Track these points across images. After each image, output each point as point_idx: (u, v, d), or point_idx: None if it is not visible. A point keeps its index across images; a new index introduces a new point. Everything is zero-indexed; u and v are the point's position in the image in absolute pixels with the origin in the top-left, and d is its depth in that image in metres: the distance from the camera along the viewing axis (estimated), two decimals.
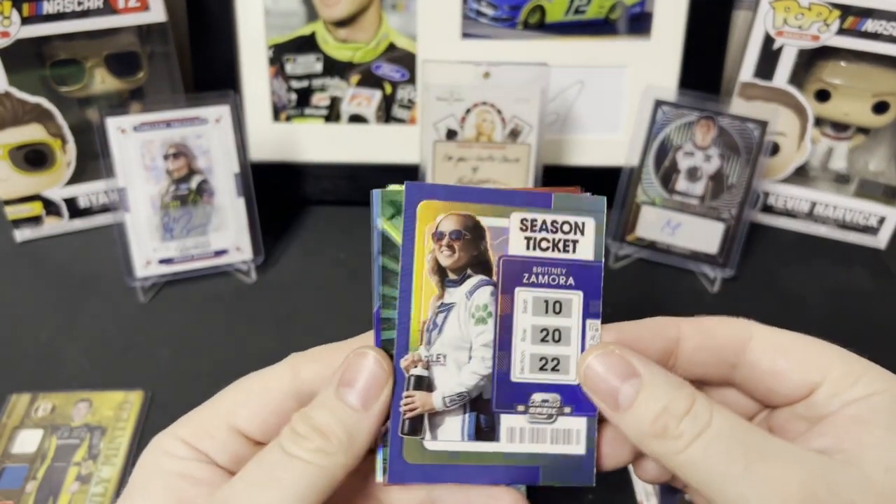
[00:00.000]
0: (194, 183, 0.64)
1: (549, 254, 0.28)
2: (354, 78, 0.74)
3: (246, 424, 0.28)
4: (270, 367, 0.29)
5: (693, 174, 0.66)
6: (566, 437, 0.28)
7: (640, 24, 0.72)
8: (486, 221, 0.28)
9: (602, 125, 0.75)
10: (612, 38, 0.73)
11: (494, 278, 0.28)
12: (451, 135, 0.67)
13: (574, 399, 0.28)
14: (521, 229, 0.28)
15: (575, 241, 0.28)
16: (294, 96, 0.75)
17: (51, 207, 0.71)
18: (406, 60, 0.74)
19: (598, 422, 0.29)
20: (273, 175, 0.74)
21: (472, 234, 0.28)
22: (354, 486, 0.30)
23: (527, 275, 0.28)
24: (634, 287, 0.68)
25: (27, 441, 0.52)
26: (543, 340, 0.28)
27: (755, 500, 0.24)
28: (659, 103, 0.66)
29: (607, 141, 0.75)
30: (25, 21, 0.64)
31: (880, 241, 0.73)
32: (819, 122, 0.72)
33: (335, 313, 0.64)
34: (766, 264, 0.71)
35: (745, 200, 0.65)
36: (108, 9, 0.66)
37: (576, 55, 0.73)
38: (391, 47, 0.73)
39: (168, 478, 0.27)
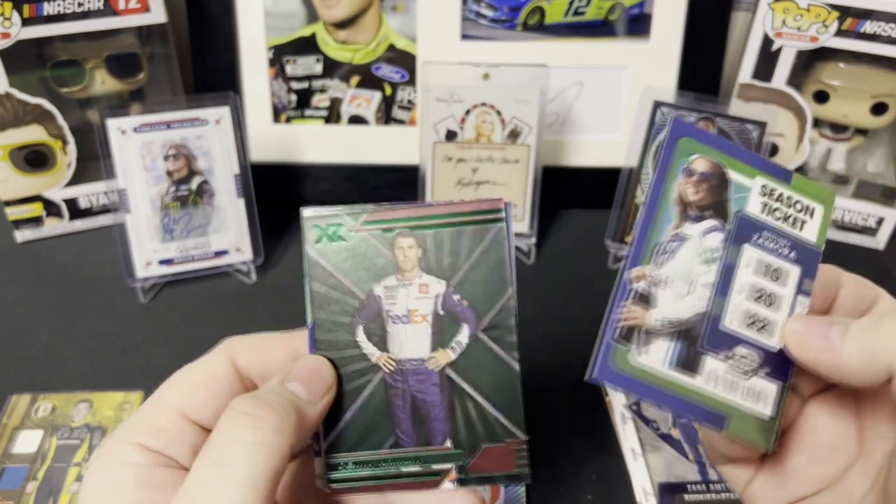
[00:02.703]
0: (194, 184, 0.64)
1: (780, 224, 0.30)
2: (354, 79, 0.74)
3: (197, 412, 0.27)
4: (207, 355, 0.29)
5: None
6: (756, 396, 0.29)
7: (639, 25, 0.73)
8: (732, 175, 0.30)
9: (601, 126, 0.76)
10: (611, 40, 0.73)
11: (728, 228, 0.30)
12: (450, 136, 0.67)
13: (772, 363, 0.30)
14: (761, 194, 0.30)
15: (804, 222, 0.31)
16: (294, 97, 0.75)
17: (51, 208, 0.72)
18: (406, 62, 0.74)
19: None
20: (273, 176, 0.74)
21: (718, 181, 0.30)
22: (308, 486, 0.29)
23: (757, 235, 0.30)
24: None
25: (27, 441, 0.52)
26: (757, 300, 0.30)
27: None
28: (658, 104, 0.66)
29: (606, 142, 0.75)
30: (26, 22, 0.64)
31: (879, 242, 0.73)
32: (818, 123, 0.72)
33: None
34: None
35: None
36: (109, 10, 0.66)
37: (575, 56, 0.73)
38: (391, 48, 0.73)
39: (126, 489, 0.25)
